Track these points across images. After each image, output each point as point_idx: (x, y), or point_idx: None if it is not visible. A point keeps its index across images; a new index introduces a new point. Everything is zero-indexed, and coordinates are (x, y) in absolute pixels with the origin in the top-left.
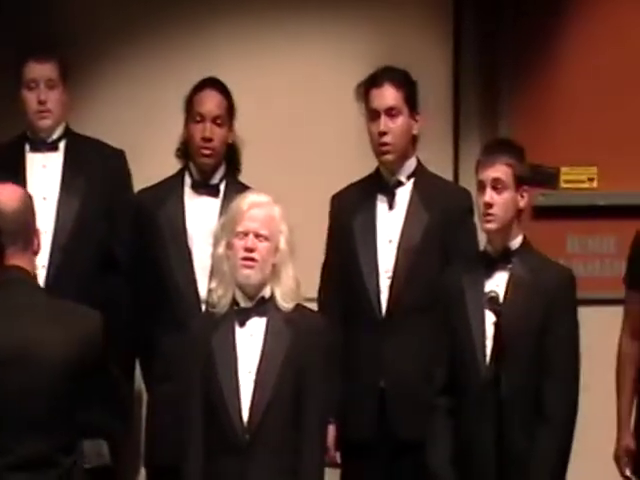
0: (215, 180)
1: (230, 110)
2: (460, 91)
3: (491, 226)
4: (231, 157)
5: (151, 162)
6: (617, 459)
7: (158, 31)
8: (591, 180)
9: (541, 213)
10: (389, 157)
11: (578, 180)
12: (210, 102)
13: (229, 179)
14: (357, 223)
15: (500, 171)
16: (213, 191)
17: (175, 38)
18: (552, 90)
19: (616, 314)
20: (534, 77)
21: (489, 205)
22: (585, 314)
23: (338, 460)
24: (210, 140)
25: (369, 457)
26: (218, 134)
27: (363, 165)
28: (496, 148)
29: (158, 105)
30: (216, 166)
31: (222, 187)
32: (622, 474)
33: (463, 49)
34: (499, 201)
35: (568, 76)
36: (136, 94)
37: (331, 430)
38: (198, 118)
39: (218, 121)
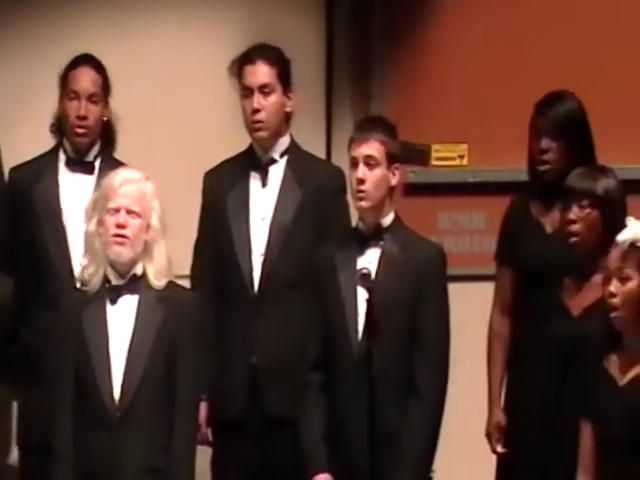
0: (90, 157)
1: (105, 87)
2: (333, 69)
3: (363, 204)
4: (106, 134)
5: (24, 137)
6: (488, 435)
7: (29, 5)
8: (461, 157)
9: (412, 190)
10: (262, 134)
11: (449, 157)
12: (84, 79)
13: (104, 156)
14: (230, 200)
15: (373, 148)
16: (88, 168)
17: (47, 12)
18: (424, 69)
19: (487, 290)
20: (406, 56)
21: (361, 181)
22: (456, 290)
23: (210, 437)
24: (85, 118)
25: (241, 434)
26: (93, 112)
27: (237, 142)
28: (368, 125)
29: (30, 79)
30: (91, 144)
31: (97, 164)
32: (493, 450)
33: (336, 28)
34: (371, 178)
35: (439, 55)
36: (6, 68)
37: (203, 407)
38: (72, 95)
39: (93, 99)
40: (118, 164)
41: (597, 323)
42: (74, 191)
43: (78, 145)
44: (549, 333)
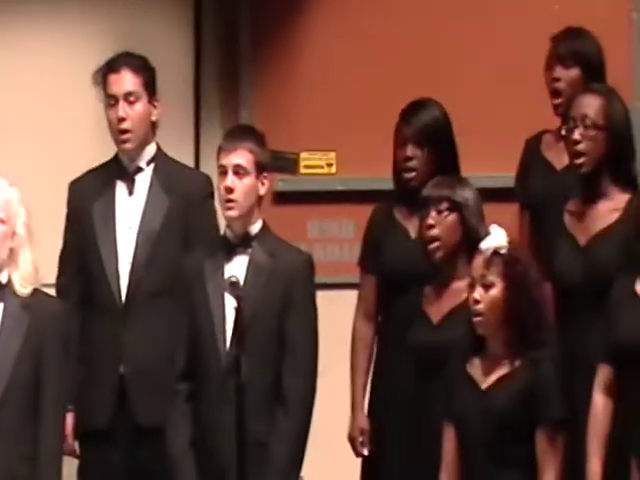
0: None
1: None
2: (201, 78)
3: (232, 213)
4: None
5: None
6: (352, 439)
7: None
8: (330, 165)
9: (281, 198)
10: (128, 145)
11: (317, 165)
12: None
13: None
14: (96, 210)
15: (241, 157)
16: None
17: None
18: (291, 77)
19: (353, 297)
20: (274, 64)
21: (230, 190)
22: (327, 298)
23: (77, 449)
24: None
25: (108, 444)
26: None
27: (103, 151)
28: (237, 134)
29: None
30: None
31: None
32: (357, 454)
33: (204, 37)
34: (240, 187)
35: (306, 63)
36: None
37: (69, 418)
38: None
39: None
40: None
41: (457, 329)
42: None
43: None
44: (410, 340)
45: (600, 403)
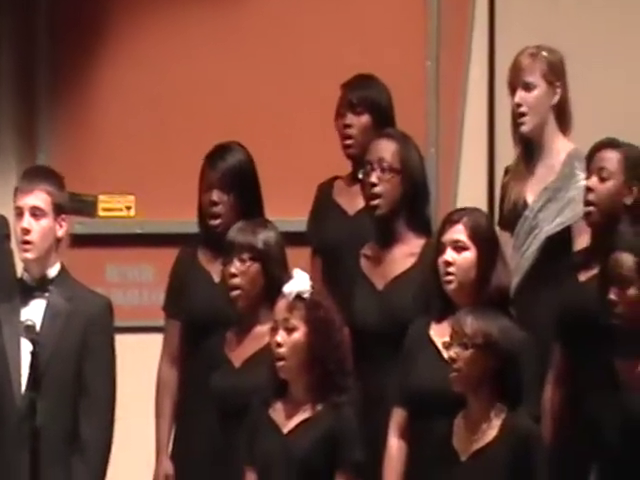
0: None
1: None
2: None
3: (29, 255)
4: None
5: None
6: None
7: None
8: (129, 208)
9: (80, 241)
10: None
11: (116, 208)
12: None
13: None
14: None
15: (39, 198)
16: None
17: None
18: (90, 119)
19: (157, 342)
20: (72, 107)
21: (27, 232)
22: (126, 342)
23: None
24: None
25: None
26: None
27: None
28: (34, 176)
29: None
30: None
31: None
32: None
33: (2, 75)
34: (37, 228)
35: (106, 106)
36: None
37: None
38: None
39: None
40: None
41: (259, 373)
42: None
43: None
44: (212, 385)
45: (394, 446)
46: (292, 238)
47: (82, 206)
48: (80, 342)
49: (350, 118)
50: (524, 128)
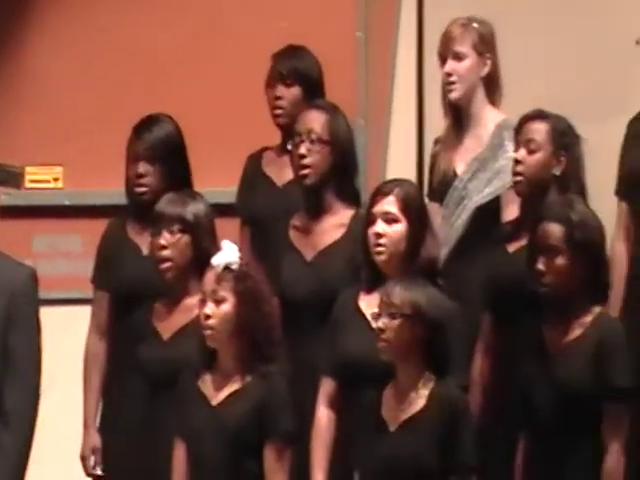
0: None
1: None
2: None
3: None
4: None
5: None
6: (83, 458)
7: None
8: (56, 180)
9: (6, 213)
10: None
11: (43, 180)
12: None
13: None
14: None
15: None
16: None
17: None
18: (16, 89)
19: (85, 313)
20: None
21: None
22: (53, 313)
23: None
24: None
25: None
26: None
27: None
28: None
29: None
30: None
31: None
32: (88, 473)
33: None
34: None
35: (33, 75)
36: None
37: None
38: None
39: None
40: None
41: (188, 345)
42: None
43: None
44: (140, 357)
45: (324, 416)
46: (221, 209)
47: (7, 177)
48: (4, 313)
49: (280, 90)
50: (453, 95)
